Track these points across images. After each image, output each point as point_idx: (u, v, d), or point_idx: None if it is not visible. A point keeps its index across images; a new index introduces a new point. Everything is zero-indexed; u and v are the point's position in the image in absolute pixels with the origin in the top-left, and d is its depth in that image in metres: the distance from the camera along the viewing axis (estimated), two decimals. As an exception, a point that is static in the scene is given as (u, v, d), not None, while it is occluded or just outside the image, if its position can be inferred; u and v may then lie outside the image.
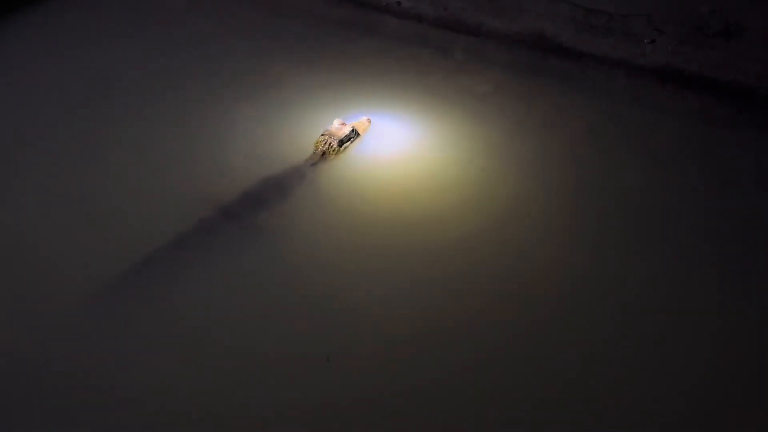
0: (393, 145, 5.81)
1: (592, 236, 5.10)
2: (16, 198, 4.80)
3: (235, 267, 4.60)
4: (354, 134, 5.35)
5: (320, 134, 5.32)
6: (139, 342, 4.08)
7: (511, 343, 4.18)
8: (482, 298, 4.53)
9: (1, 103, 5.83)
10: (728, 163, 5.86)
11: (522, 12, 7.06)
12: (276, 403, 3.78)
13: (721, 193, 5.54)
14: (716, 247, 5.00)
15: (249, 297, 4.43)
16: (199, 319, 4.26)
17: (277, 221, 4.92)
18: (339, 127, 5.34)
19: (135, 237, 4.49)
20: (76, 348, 3.96)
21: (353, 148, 5.51)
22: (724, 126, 6.34)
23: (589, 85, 6.88)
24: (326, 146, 4.99)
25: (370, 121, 5.50)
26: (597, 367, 4.07)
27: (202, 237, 4.59)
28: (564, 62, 7.04)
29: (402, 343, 4.17)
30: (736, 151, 6.03)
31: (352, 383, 3.90)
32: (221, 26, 7.42)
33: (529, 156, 6.45)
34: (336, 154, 5.11)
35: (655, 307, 4.48)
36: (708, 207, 5.38)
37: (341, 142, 5.15)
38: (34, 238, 4.48)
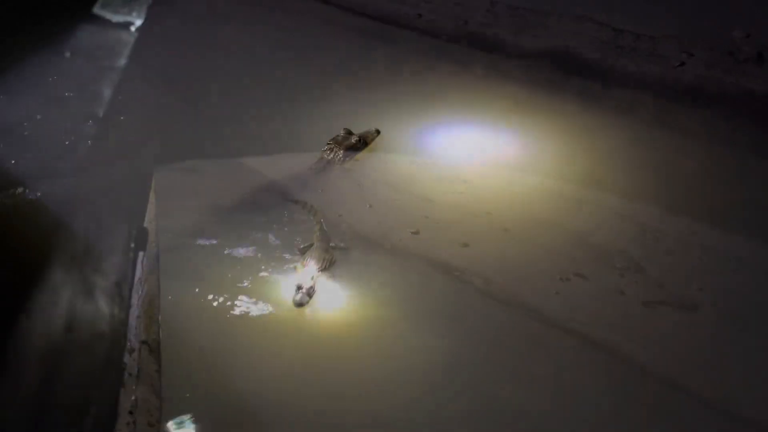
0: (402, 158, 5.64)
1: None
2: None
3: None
4: (361, 144, 5.14)
5: (326, 143, 5.13)
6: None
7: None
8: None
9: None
10: (755, 189, 5.51)
11: (546, 29, 6.81)
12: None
13: (749, 219, 5.18)
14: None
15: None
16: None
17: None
18: (345, 136, 5.15)
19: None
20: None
21: (361, 157, 5.32)
22: (753, 151, 5.98)
23: (612, 104, 6.58)
24: (332, 154, 4.78)
25: (378, 132, 5.29)
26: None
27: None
28: (588, 81, 6.75)
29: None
30: (764, 176, 5.67)
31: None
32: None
33: (550, 173, 6.21)
34: (341, 162, 4.90)
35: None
36: (734, 232, 5.03)
37: (347, 151, 4.92)
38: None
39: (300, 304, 3.88)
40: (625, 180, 6.45)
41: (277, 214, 6.13)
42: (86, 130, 6.04)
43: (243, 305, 4.11)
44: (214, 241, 4.72)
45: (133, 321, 2.12)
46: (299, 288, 4.00)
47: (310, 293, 4.01)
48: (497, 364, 3.76)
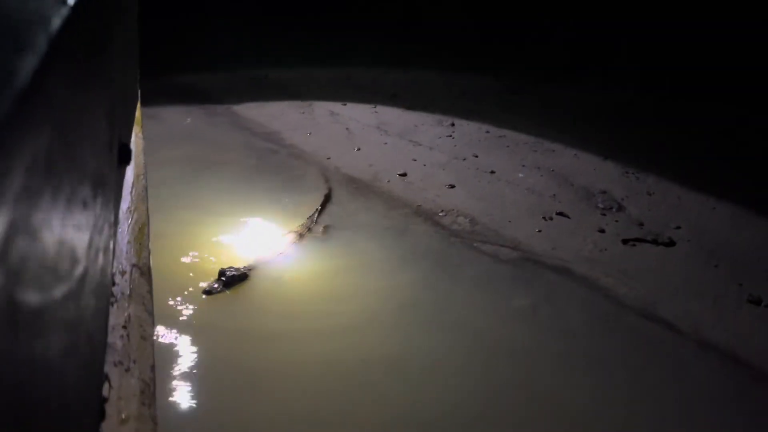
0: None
1: None
2: None
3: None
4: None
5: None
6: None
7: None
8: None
9: None
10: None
11: None
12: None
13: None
14: None
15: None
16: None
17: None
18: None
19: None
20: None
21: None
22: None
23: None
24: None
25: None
26: None
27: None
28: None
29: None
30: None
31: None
32: None
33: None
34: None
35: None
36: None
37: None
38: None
39: (207, 292, 3.62)
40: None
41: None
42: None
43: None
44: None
45: (123, 246, 2.15)
46: (221, 275, 3.75)
47: (228, 282, 3.72)
48: (479, 299, 3.85)
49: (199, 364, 2.99)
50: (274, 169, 6.35)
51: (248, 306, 3.60)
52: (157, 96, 9.23)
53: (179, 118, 8.66)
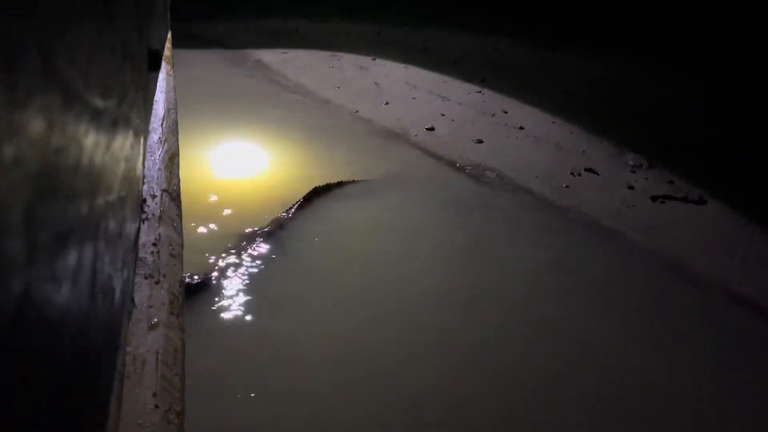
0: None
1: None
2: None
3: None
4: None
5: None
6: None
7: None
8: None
9: None
10: None
11: None
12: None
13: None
14: None
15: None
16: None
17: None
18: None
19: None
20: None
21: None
22: None
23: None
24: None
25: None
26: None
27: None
28: None
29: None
30: None
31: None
32: None
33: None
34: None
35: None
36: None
37: None
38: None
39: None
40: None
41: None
42: None
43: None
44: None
45: (154, 173, 2.17)
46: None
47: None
48: (504, 248, 3.81)
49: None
50: (299, 121, 6.33)
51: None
52: (188, 47, 9.23)
53: (209, 69, 8.67)
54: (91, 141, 0.77)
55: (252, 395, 2.34)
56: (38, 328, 0.52)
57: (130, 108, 1.29)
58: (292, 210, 3.97)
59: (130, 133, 1.33)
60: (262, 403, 2.31)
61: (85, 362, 0.79)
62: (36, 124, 0.49)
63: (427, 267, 3.46)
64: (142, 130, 1.76)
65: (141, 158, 1.91)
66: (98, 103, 0.83)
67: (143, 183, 2.03)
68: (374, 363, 2.58)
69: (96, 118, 0.81)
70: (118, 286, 1.15)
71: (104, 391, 0.99)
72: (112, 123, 0.97)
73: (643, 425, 2.33)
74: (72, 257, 0.64)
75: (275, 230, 3.70)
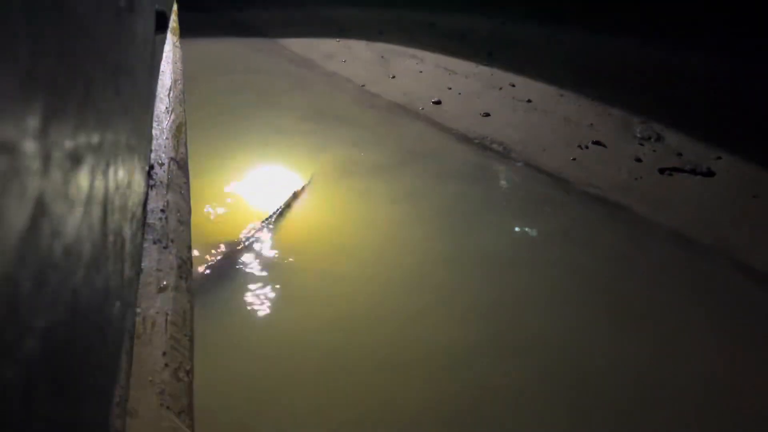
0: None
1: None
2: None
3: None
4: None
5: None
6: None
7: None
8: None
9: None
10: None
11: None
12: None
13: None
14: None
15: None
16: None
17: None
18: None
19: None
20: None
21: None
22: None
23: None
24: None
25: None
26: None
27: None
28: None
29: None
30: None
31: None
32: None
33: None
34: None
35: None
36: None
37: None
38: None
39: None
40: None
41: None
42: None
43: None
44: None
45: (162, 141, 2.17)
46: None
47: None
48: (510, 218, 3.79)
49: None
50: (309, 95, 6.28)
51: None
52: (207, 28, 9.16)
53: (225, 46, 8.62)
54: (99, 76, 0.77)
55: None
56: (52, 248, 0.52)
57: (143, 51, 1.30)
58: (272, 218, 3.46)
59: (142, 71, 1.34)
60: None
61: (94, 305, 0.79)
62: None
63: (430, 232, 3.47)
64: (151, 70, 1.75)
65: (149, 111, 1.91)
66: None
67: (150, 149, 2.03)
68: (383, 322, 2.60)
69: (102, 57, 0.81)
70: (127, 235, 1.16)
71: (114, 342, 0.99)
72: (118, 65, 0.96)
73: (648, 388, 2.34)
74: (84, 179, 0.64)
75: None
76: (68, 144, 0.53)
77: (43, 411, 0.52)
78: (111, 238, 0.85)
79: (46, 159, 0.46)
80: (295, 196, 3.76)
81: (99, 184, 0.73)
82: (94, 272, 0.74)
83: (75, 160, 0.57)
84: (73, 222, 0.58)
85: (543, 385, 2.32)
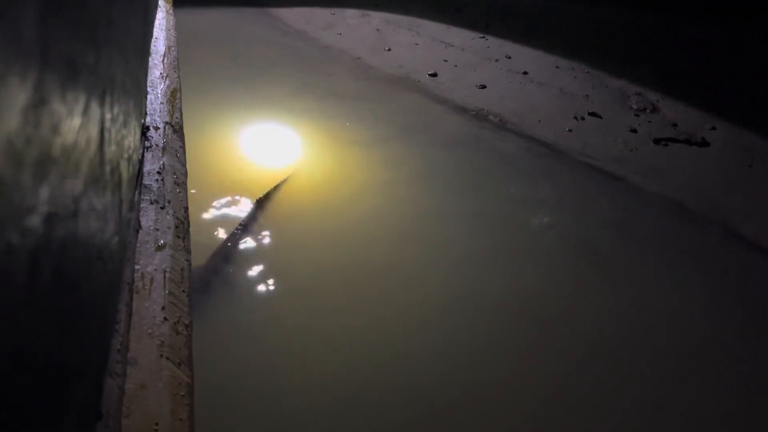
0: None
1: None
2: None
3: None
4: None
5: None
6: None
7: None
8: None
9: None
10: None
11: None
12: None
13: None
14: None
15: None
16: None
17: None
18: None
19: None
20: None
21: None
22: None
23: None
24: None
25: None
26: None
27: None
28: None
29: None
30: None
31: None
32: None
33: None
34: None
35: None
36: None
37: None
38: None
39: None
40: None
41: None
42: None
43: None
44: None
45: (157, 106, 2.15)
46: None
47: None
48: (507, 186, 3.79)
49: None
50: (304, 67, 6.20)
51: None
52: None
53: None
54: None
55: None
56: (52, 143, 0.52)
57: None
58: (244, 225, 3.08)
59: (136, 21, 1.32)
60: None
61: (94, 215, 0.79)
62: None
63: (429, 193, 3.49)
64: (145, 26, 1.73)
65: (144, 63, 1.89)
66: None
67: (145, 114, 2.01)
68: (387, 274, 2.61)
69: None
70: (124, 175, 1.15)
71: (112, 292, 0.99)
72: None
73: (643, 354, 2.37)
74: (81, 93, 0.64)
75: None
76: (64, 46, 0.53)
77: (47, 302, 0.52)
78: (108, 167, 0.84)
79: (45, 48, 0.46)
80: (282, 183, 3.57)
81: (95, 105, 0.72)
82: (92, 190, 0.74)
83: (72, 68, 0.57)
84: (72, 126, 0.57)
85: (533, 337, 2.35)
